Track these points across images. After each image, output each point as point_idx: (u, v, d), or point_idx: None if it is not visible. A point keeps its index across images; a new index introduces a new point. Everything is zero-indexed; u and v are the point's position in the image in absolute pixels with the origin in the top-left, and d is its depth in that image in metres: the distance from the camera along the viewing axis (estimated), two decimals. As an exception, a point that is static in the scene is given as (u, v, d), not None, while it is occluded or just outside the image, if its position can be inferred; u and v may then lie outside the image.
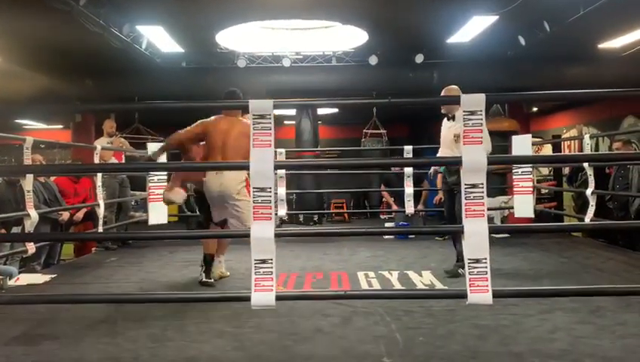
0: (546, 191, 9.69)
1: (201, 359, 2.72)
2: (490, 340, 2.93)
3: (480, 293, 2.26)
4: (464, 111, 2.28)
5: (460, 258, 4.60)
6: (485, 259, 2.28)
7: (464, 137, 2.30)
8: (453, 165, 3.96)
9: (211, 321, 3.29)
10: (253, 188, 2.36)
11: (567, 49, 7.15)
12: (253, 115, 2.37)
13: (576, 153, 8.76)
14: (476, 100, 2.28)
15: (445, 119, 4.61)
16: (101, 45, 6.17)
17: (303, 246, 6.21)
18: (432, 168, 5.16)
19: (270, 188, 2.36)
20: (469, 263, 2.29)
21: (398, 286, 4.31)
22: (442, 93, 4.56)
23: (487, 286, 2.26)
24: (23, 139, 4.47)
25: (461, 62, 7.58)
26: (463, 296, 2.33)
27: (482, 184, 2.27)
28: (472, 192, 2.27)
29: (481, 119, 2.29)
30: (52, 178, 6.01)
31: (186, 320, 3.32)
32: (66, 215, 5.86)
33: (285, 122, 11.78)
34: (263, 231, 2.35)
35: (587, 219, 5.57)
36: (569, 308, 3.39)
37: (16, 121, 12.27)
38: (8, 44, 6.57)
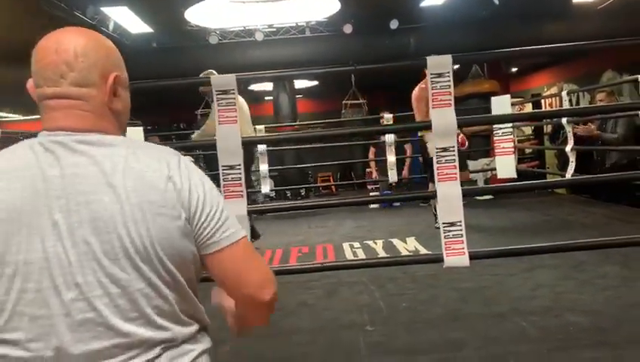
0: (530, 150, 9.72)
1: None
2: (472, 302, 2.95)
3: (456, 256, 2.25)
4: (431, 74, 2.23)
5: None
6: (460, 221, 2.26)
7: (433, 100, 2.26)
8: None
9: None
10: (222, 165, 2.31)
11: (542, 6, 7.07)
12: (217, 91, 2.31)
13: (554, 109, 8.76)
14: (442, 62, 2.23)
15: None
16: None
17: (289, 222, 6.21)
18: None
19: (239, 165, 2.32)
20: (444, 226, 2.27)
21: (382, 254, 4.32)
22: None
23: (463, 248, 2.25)
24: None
25: (436, 25, 7.48)
26: (440, 259, 2.32)
27: (453, 147, 2.24)
28: (443, 156, 2.24)
29: (449, 80, 2.24)
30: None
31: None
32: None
33: (266, 98, 11.64)
34: (234, 210, 2.31)
35: (568, 176, 5.59)
36: (551, 265, 3.42)
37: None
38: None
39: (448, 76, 2.23)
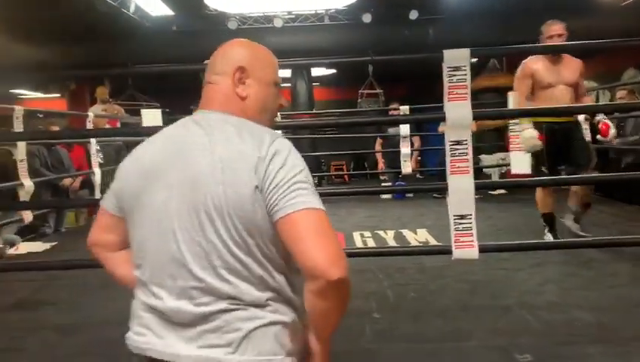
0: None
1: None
2: (480, 294, 2.97)
3: (465, 248, 2.28)
4: (448, 67, 2.24)
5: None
6: (470, 215, 2.28)
7: (449, 93, 2.27)
8: None
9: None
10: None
11: (565, 1, 6.98)
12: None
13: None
14: (460, 55, 2.24)
15: None
16: (88, 11, 6.05)
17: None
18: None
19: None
20: (454, 219, 2.30)
21: (393, 244, 4.35)
22: None
23: (472, 241, 2.28)
24: (12, 108, 4.44)
25: (456, 17, 7.41)
26: (449, 251, 2.35)
27: (467, 141, 2.25)
28: (456, 149, 2.26)
29: (466, 74, 2.25)
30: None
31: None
32: (68, 181, 5.88)
33: (283, 85, 11.64)
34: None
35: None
36: (560, 261, 3.43)
37: (12, 90, 12.16)
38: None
39: (465, 70, 2.24)
